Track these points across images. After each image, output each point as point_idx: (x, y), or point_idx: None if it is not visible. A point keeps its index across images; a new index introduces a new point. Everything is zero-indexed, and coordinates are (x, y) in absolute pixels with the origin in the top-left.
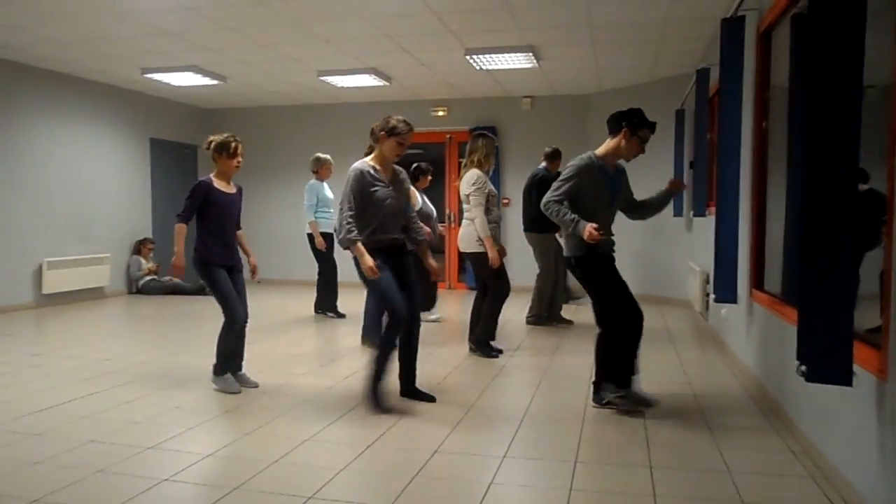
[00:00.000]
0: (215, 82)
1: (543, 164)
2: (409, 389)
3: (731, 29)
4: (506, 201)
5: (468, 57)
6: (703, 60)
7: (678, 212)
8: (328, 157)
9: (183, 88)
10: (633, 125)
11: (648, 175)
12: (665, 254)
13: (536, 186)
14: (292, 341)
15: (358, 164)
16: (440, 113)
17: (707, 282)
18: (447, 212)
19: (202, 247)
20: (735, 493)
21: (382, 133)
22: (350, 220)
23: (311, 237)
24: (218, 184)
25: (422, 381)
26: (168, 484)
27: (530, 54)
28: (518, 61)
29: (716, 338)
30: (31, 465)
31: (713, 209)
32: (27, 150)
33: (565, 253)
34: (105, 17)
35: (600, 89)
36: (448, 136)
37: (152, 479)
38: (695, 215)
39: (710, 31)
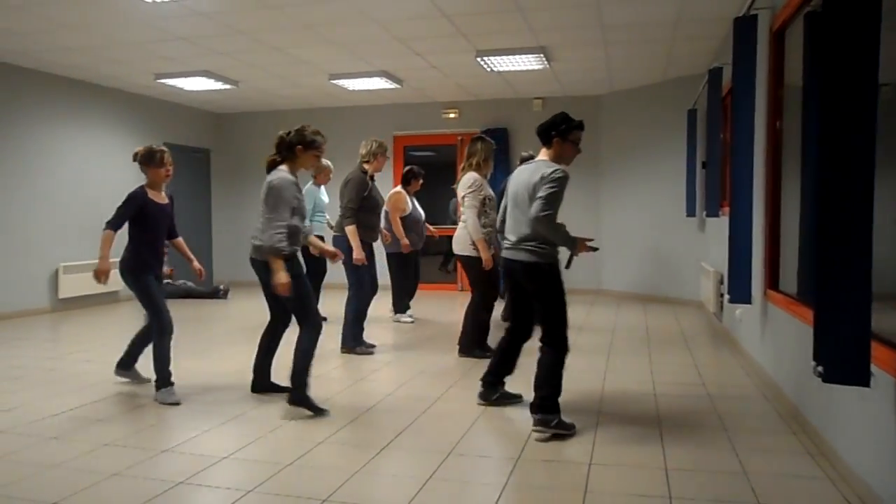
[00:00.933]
0: (227, 86)
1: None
2: (266, 384)
3: (744, 28)
4: None
5: (479, 59)
6: (716, 60)
7: (691, 212)
8: (328, 162)
9: (195, 93)
10: (561, 132)
11: (661, 176)
12: (675, 254)
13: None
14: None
15: (289, 175)
16: (451, 115)
17: (721, 282)
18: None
19: (134, 256)
20: (752, 496)
21: (300, 147)
22: (284, 230)
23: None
24: (151, 194)
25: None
26: (184, 487)
27: (541, 55)
28: (529, 63)
29: (730, 339)
30: (48, 468)
31: (726, 209)
32: (42, 155)
33: (533, 260)
34: (119, 24)
35: (612, 90)
36: (459, 137)
37: (168, 482)
38: (708, 215)
39: (722, 30)
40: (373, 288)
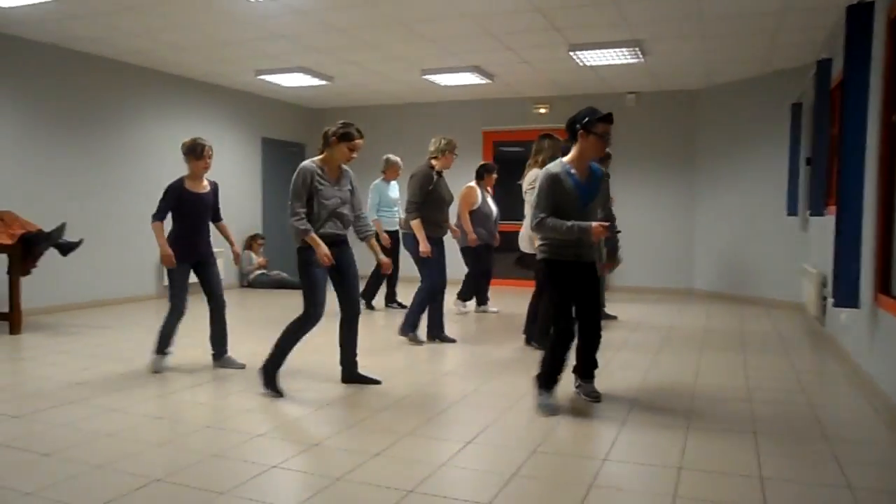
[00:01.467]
0: (323, 82)
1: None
2: (353, 375)
3: (858, 16)
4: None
5: (572, 53)
6: (824, 51)
7: (792, 210)
8: (398, 159)
9: (293, 89)
10: (585, 126)
11: (760, 173)
12: (772, 254)
13: None
14: (378, 336)
15: (308, 163)
16: (542, 110)
17: (824, 284)
18: None
19: (172, 244)
20: None
21: (334, 138)
22: (300, 214)
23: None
24: (189, 184)
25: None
26: (277, 470)
27: (636, 49)
28: (623, 57)
29: (833, 344)
30: (154, 446)
31: (832, 208)
32: (150, 150)
33: (539, 256)
34: (224, 23)
35: (710, 84)
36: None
37: (263, 465)
38: (812, 214)
39: (832, 19)
40: (441, 282)
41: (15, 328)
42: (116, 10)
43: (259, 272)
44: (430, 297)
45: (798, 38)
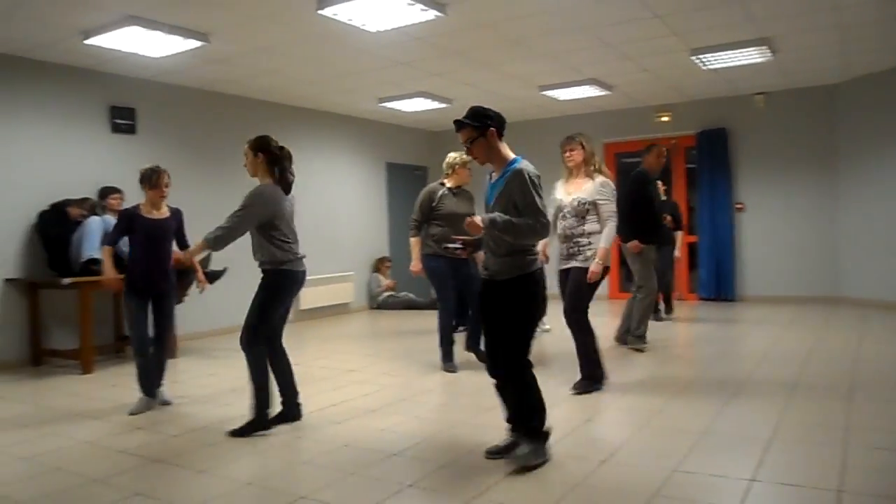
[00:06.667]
0: (442, 105)
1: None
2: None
3: None
4: (740, 206)
5: (693, 57)
6: None
7: None
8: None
9: (413, 114)
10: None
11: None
12: None
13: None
14: None
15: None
16: (664, 118)
17: None
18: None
19: (126, 272)
20: None
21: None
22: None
23: None
24: (145, 210)
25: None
26: (414, 489)
27: (764, 47)
28: (750, 56)
29: None
30: (299, 464)
31: None
32: None
33: (494, 269)
34: (348, 55)
35: (849, 77)
36: (673, 141)
37: (400, 482)
38: None
39: None
40: (453, 304)
41: (170, 353)
42: (252, 51)
43: (387, 294)
44: (447, 320)
45: None
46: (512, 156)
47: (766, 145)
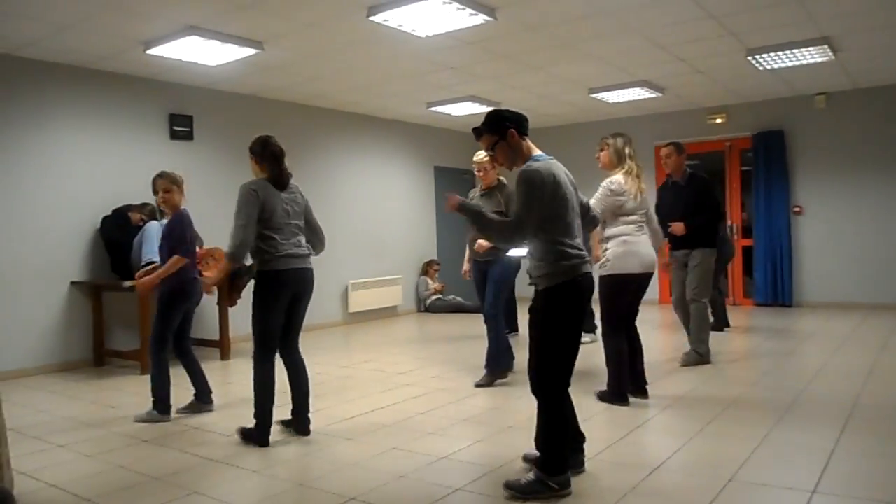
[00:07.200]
0: (491, 109)
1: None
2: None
3: None
4: (798, 209)
5: (750, 58)
6: None
7: None
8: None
9: (462, 118)
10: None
11: None
12: None
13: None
14: None
15: None
16: (718, 120)
17: None
18: (729, 223)
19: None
20: None
21: None
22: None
23: None
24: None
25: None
26: (462, 493)
27: (825, 47)
28: (810, 56)
29: None
30: (346, 466)
31: None
32: (337, 183)
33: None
34: (397, 60)
35: None
36: (727, 143)
37: (448, 487)
38: None
39: None
40: (484, 307)
41: (224, 354)
42: (304, 58)
43: (435, 297)
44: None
45: None
46: (535, 152)
47: (827, 147)
